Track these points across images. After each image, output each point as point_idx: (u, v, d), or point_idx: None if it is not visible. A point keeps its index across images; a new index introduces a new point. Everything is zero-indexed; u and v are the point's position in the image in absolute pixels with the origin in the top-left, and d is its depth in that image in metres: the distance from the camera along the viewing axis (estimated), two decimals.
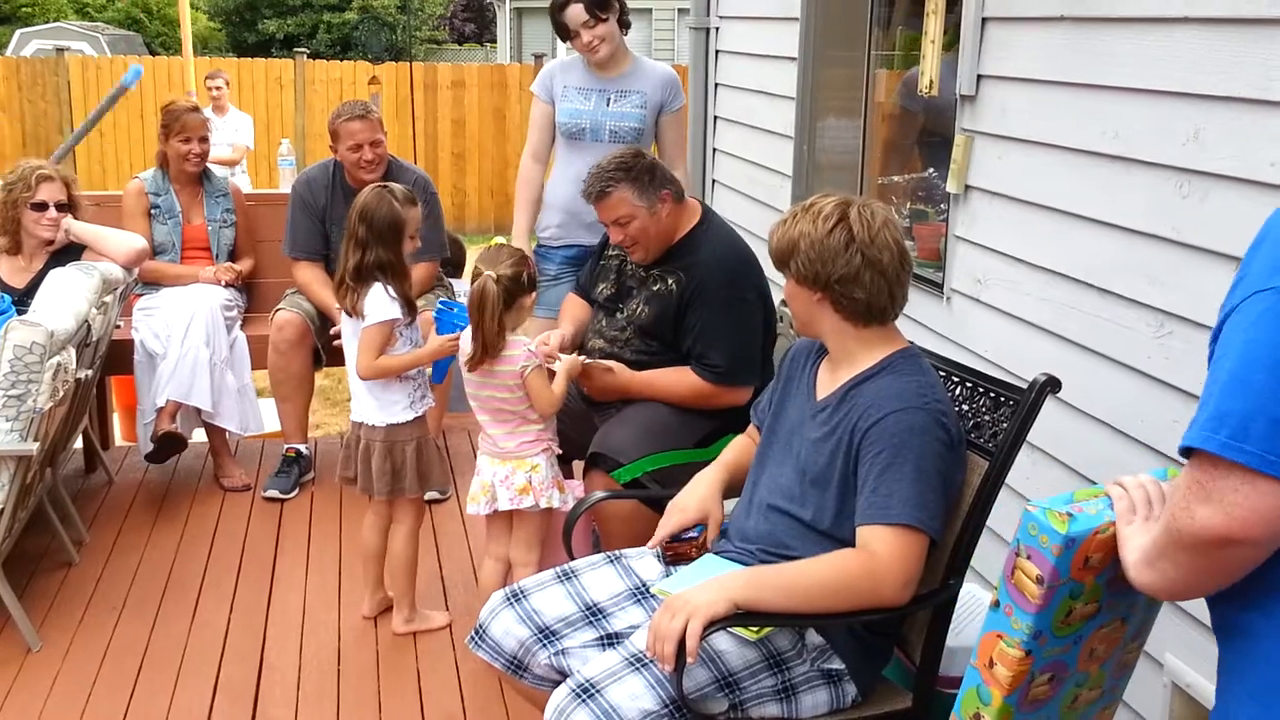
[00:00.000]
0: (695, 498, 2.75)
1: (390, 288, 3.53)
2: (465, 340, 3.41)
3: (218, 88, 10.67)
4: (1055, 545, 1.77)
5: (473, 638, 2.66)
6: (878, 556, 2.28)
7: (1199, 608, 2.55)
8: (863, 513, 2.34)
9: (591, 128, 4.55)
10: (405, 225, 3.56)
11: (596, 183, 3.46)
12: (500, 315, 3.27)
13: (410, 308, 3.60)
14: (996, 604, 1.90)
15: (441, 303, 3.65)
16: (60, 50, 15.22)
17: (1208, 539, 1.35)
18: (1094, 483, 2.83)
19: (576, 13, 4.44)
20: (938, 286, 3.70)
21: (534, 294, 3.41)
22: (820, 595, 2.30)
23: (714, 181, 6.08)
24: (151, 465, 4.94)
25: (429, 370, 3.68)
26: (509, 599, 2.65)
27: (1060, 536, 1.76)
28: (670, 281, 3.51)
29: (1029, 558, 1.82)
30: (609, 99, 4.56)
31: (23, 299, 4.17)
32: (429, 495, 4.30)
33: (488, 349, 3.29)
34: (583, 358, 3.50)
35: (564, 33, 4.54)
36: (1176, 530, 1.39)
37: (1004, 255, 3.34)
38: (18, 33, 21.01)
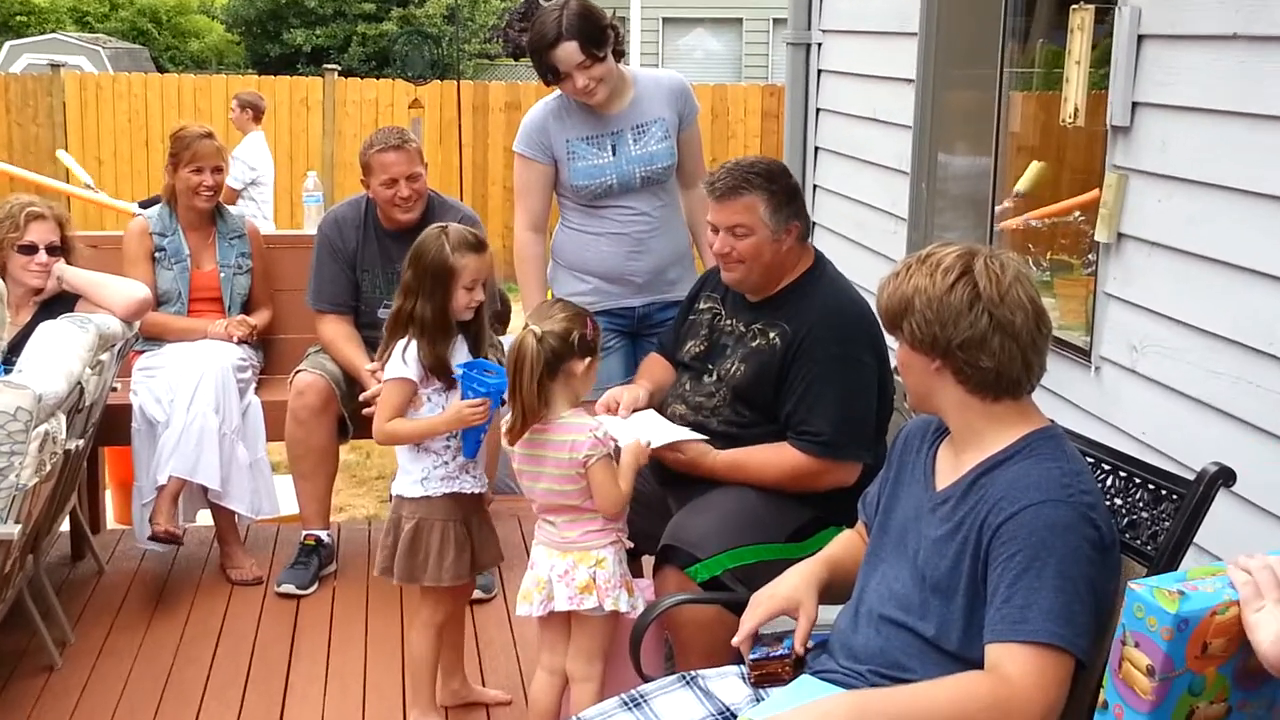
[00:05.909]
0: (786, 585, 2.74)
1: (418, 345, 3.58)
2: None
3: (232, 109, 10.81)
4: (1165, 628, 1.76)
5: None
6: (1010, 682, 2.25)
7: None
8: (993, 628, 2.31)
9: (620, 181, 4.45)
10: (456, 274, 3.58)
11: (730, 177, 3.44)
12: (541, 377, 3.28)
13: (442, 371, 3.62)
14: (1105, 705, 1.87)
15: (461, 365, 3.62)
16: (55, 66, 15.67)
17: None
18: None
19: (569, 52, 4.26)
20: (1084, 354, 3.67)
21: (589, 360, 3.39)
22: None
23: (814, 224, 6.09)
24: (148, 554, 5.00)
25: (456, 444, 3.66)
26: None
27: (1171, 617, 1.75)
28: (773, 335, 3.51)
29: (1137, 645, 1.81)
30: (629, 140, 4.46)
31: (7, 356, 4.23)
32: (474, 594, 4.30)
33: (526, 416, 3.30)
34: (651, 441, 3.46)
35: (551, 75, 4.36)
36: None
37: (1165, 318, 3.31)
38: (7, 44, 21.58)
